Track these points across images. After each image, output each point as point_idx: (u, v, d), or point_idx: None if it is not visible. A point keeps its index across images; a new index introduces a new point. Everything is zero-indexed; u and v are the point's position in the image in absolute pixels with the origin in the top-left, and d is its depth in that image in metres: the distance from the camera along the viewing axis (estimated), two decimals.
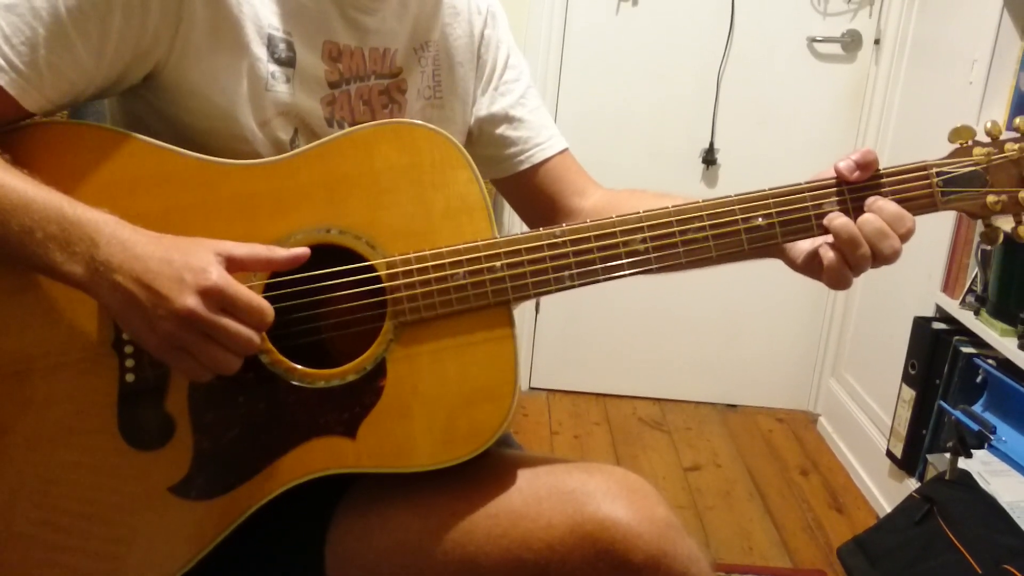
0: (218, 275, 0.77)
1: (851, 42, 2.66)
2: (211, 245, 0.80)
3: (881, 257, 0.87)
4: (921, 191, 0.89)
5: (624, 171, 2.72)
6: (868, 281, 2.61)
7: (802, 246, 0.93)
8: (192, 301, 0.76)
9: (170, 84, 0.88)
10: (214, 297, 0.77)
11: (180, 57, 0.87)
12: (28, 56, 0.81)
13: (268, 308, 0.80)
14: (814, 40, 2.66)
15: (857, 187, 0.89)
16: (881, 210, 0.87)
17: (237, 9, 0.88)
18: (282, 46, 0.91)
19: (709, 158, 2.73)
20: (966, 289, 2.05)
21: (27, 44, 0.81)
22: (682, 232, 0.89)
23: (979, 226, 1.30)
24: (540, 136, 1.10)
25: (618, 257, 0.89)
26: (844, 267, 0.87)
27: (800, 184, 0.90)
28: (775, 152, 2.71)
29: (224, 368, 0.79)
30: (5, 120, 0.84)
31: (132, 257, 0.77)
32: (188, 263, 0.78)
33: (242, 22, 0.88)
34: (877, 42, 2.64)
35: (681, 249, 0.89)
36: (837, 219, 0.87)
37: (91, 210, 0.79)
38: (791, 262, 0.94)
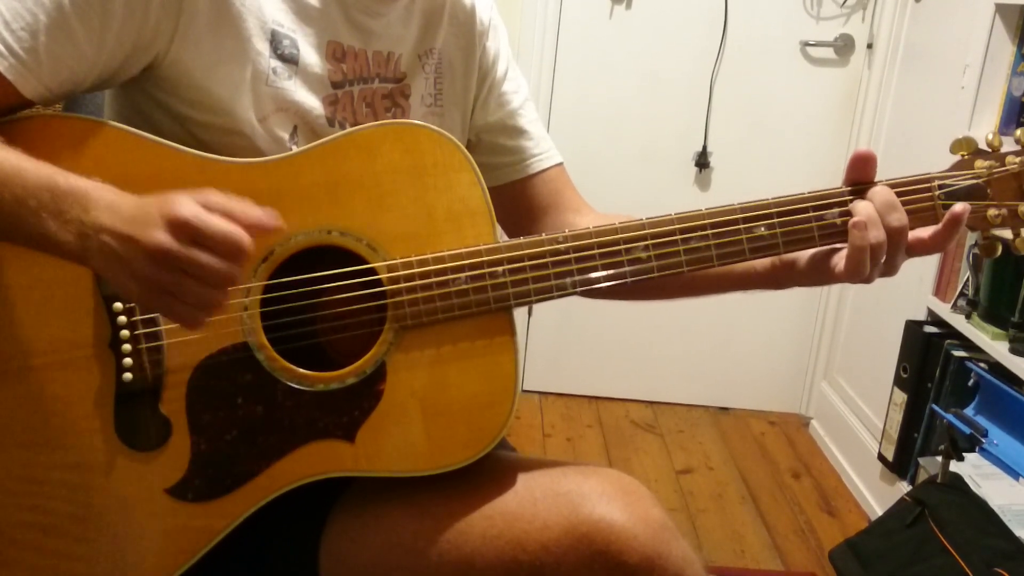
0: (187, 208, 0.73)
1: (844, 46, 2.66)
2: (191, 192, 0.76)
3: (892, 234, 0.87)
4: (923, 203, 0.90)
5: (617, 174, 2.72)
6: (860, 284, 2.61)
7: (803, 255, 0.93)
8: (161, 236, 0.73)
9: (170, 76, 0.88)
10: (184, 230, 0.73)
11: (180, 49, 0.86)
12: (28, 42, 0.80)
13: (243, 235, 0.74)
14: (807, 44, 2.67)
15: (860, 197, 0.89)
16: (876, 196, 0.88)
17: (239, 3, 0.88)
18: (286, 42, 0.91)
19: (702, 161, 2.73)
20: (958, 293, 2.06)
21: (27, 30, 0.80)
22: (685, 240, 0.89)
23: (976, 235, 1.30)
24: (539, 147, 1.10)
25: (620, 264, 0.89)
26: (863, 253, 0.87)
27: (803, 194, 0.90)
28: (768, 155, 2.72)
29: (209, 304, 0.76)
30: (3, 107, 0.83)
31: (116, 216, 0.75)
32: (160, 203, 0.74)
33: (244, 16, 0.88)
34: (870, 46, 2.65)
35: (684, 258, 0.89)
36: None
37: (82, 179, 0.78)
38: (797, 271, 0.94)
